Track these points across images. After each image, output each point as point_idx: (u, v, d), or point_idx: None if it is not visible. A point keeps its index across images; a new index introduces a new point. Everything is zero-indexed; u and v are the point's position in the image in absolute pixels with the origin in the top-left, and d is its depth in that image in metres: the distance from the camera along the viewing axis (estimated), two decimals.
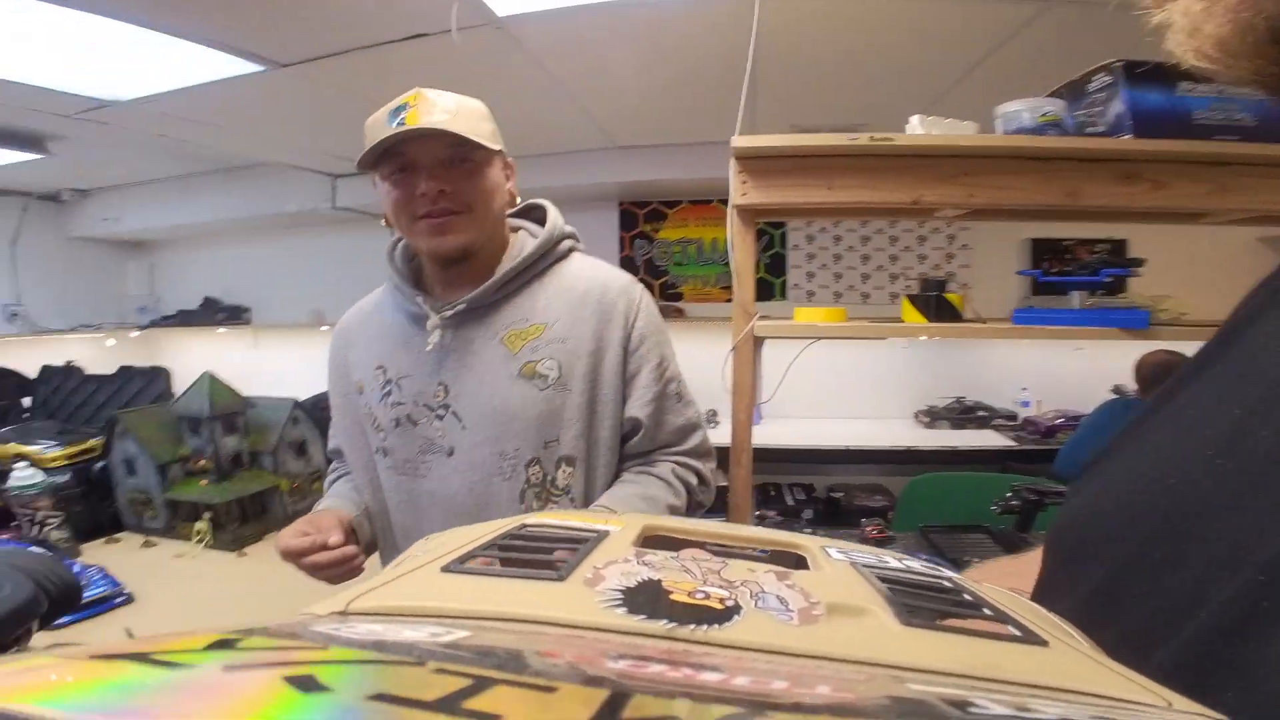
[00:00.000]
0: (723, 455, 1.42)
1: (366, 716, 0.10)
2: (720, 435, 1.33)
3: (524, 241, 0.95)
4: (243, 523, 1.80)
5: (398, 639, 0.15)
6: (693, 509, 1.00)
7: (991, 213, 1.41)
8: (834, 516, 2.90)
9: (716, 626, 0.20)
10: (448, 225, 0.86)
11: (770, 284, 3.59)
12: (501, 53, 1.87)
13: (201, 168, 3.43)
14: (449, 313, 0.89)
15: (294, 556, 0.83)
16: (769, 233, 3.57)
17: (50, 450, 1.83)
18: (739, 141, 1.13)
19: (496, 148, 0.89)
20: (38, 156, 2.78)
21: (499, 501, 0.89)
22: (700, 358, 1.60)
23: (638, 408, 0.93)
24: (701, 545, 0.30)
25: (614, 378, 0.92)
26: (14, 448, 1.82)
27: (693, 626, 0.19)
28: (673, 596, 0.22)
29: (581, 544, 0.27)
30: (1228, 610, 0.24)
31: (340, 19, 1.64)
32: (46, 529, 1.59)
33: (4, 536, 1.62)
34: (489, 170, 0.88)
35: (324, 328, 3.79)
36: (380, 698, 0.10)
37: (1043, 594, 0.38)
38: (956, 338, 1.34)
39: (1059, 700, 0.17)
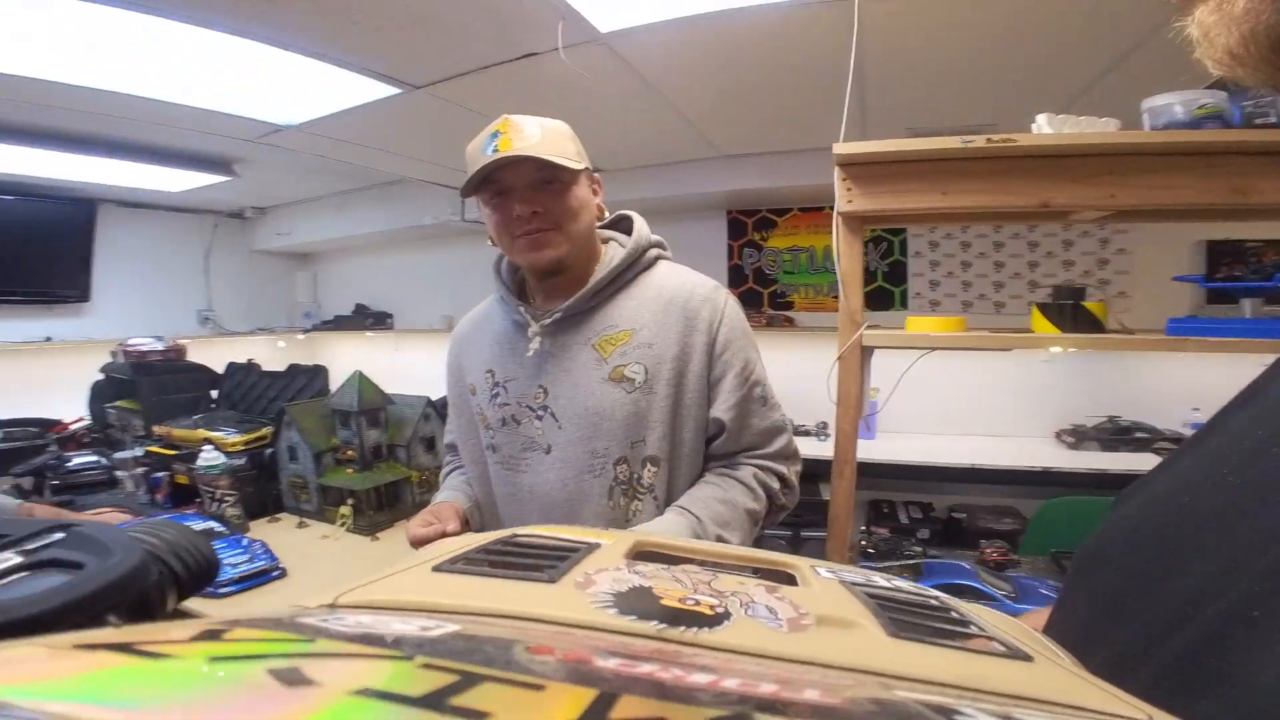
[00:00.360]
0: (826, 467, 1.39)
1: (352, 712, 0.09)
2: (829, 448, 1.29)
3: (613, 252, 1.00)
4: (378, 510, 2.00)
5: (387, 631, 0.15)
6: (774, 512, 1.01)
7: (1145, 214, 1.28)
8: (954, 537, 2.70)
9: (707, 629, 0.20)
10: (542, 240, 0.92)
11: (889, 293, 3.41)
12: (607, 68, 1.94)
13: (354, 185, 3.83)
14: (547, 321, 0.95)
15: (422, 544, 0.92)
16: (887, 239, 3.40)
17: (231, 436, 2.11)
18: (841, 148, 1.10)
19: (581, 166, 0.93)
20: (226, 179, 3.23)
21: (590, 497, 0.93)
22: (809, 368, 1.57)
23: (722, 410, 0.95)
24: (691, 562, 0.30)
25: (698, 382, 0.94)
26: (202, 433, 2.13)
27: (683, 629, 0.20)
28: (663, 601, 0.22)
29: (572, 553, 0.28)
30: (1220, 619, 0.24)
31: (461, 42, 1.78)
32: (224, 506, 1.85)
33: (189, 511, 1.91)
34: (576, 189, 0.93)
35: None
36: (366, 693, 0.10)
37: (1056, 612, 0.39)
38: (1096, 350, 1.21)
39: (1042, 711, 0.16)
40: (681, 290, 0.97)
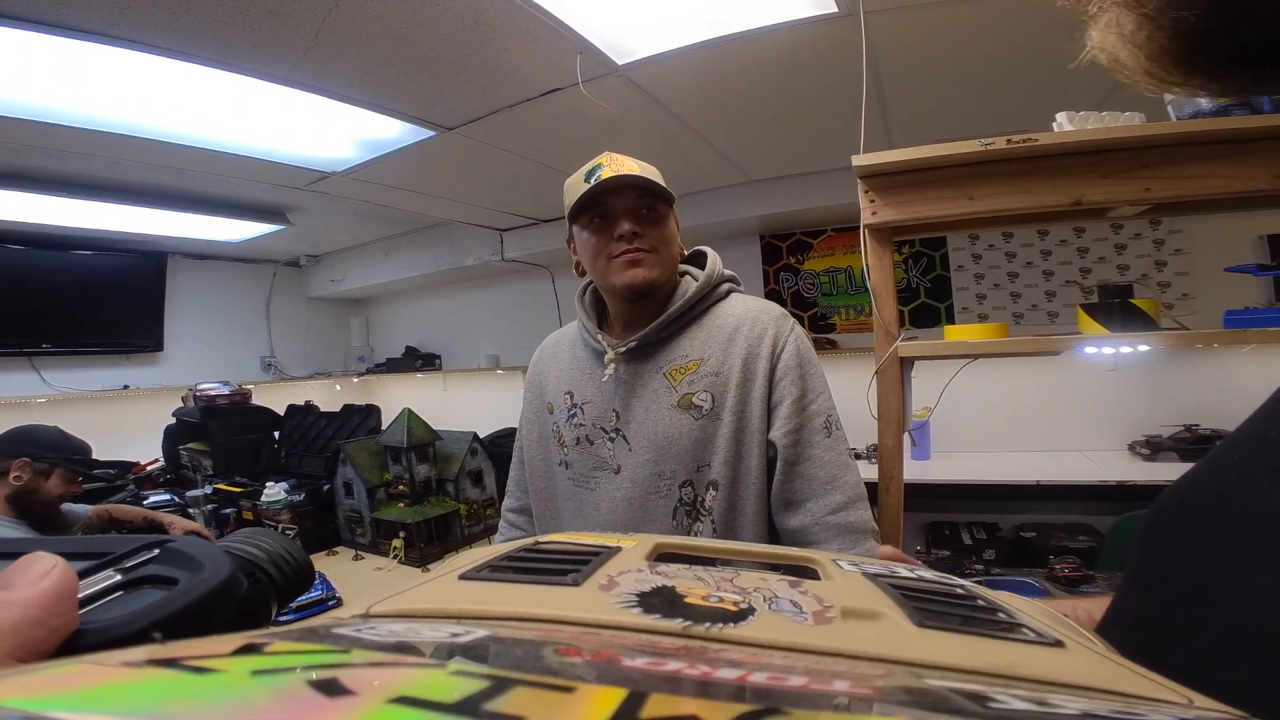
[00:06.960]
0: (870, 489, 1.35)
1: None
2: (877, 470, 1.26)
3: (687, 286, 1.05)
4: (429, 542, 2.04)
5: (419, 639, 0.16)
6: None
7: (1191, 206, 1.23)
8: (1023, 557, 2.56)
9: (731, 625, 0.20)
10: (640, 260, 0.97)
11: (934, 309, 3.33)
12: (627, 99, 1.99)
13: (398, 229, 3.99)
14: (621, 349, 1.01)
15: None
16: (928, 254, 3.33)
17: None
18: (859, 160, 1.11)
19: (673, 200, 1.01)
20: (281, 227, 3.41)
21: (654, 515, 0.96)
22: (854, 389, 1.53)
23: (777, 433, 0.95)
24: (713, 561, 0.30)
25: (759, 406, 0.96)
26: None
27: (708, 625, 0.19)
28: (687, 599, 0.22)
29: (595, 557, 0.28)
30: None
31: (488, 83, 1.86)
32: None
33: None
34: (669, 221, 1.01)
35: (499, 371, 4.15)
36: (402, 700, 0.10)
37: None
38: (1152, 348, 1.16)
39: (1079, 696, 0.16)
40: (746, 318, 1.00)
